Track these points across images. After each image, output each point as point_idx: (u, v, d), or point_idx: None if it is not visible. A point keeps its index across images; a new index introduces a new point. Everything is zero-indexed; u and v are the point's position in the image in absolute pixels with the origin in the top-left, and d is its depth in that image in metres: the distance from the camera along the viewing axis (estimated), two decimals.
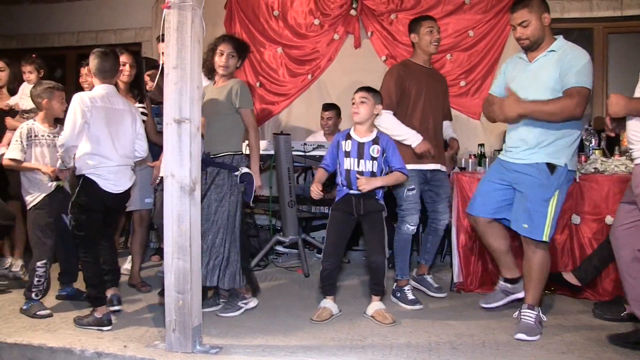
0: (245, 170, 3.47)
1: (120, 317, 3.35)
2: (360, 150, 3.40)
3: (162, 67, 2.79)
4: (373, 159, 3.40)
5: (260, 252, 4.77)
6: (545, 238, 3.15)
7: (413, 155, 3.74)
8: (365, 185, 3.33)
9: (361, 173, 3.38)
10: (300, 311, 3.54)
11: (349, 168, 3.41)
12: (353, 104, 3.44)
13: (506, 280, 3.57)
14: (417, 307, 3.67)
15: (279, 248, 5.22)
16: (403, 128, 3.74)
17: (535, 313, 3.19)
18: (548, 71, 3.14)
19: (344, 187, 3.45)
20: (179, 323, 2.71)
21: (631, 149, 2.88)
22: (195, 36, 2.72)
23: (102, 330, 3.11)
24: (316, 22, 5.80)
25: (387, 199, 4.84)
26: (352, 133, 3.47)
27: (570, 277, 3.76)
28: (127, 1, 6.37)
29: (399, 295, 3.78)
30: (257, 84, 5.90)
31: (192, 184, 2.69)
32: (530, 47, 3.23)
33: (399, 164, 3.42)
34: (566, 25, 5.72)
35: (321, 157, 4.90)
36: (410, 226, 3.78)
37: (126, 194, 3.42)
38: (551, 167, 3.15)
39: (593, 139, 4.36)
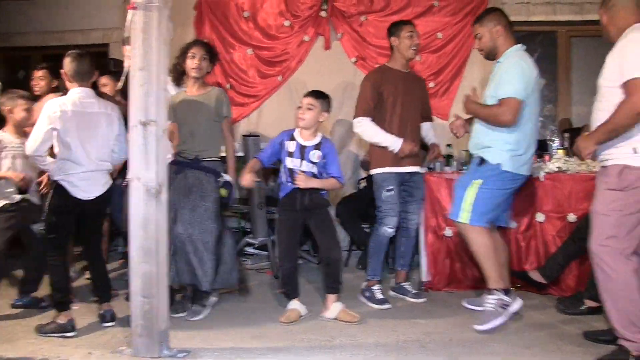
0: (227, 177, 3.55)
1: (84, 323, 3.29)
2: (302, 153, 3.47)
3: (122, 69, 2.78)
4: (313, 163, 3.46)
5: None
6: (461, 219, 3.35)
7: (392, 158, 3.78)
8: (302, 182, 3.40)
9: (303, 172, 3.44)
10: (269, 313, 3.54)
11: (292, 167, 3.47)
12: (299, 107, 3.48)
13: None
14: (386, 306, 3.70)
15: (249, 250, 5.20)
16: (382, 134, 3.77)
17: (496, 297, 3.30)
18: (493, 80, 3.41)
19: (289, 184, 3.48)
20: (146, 328, 2.68)
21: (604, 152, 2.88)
22: (161, 37, 2.71)
23: (65, 336, 3.06)
24: (286, 23, 5.79)
25: (358, 199, 4.90)
26: (296, 135, 3.52)
27: (536, 275, 3.84)
28: (95, 1, 6.26)
29: (368, 295, 3.80)
30: (227, 85, 5.87)
31: (158, 187, 2.67)
32: (487, 57, 3.53)
33: (337, 172, 3.53)
34: (532, 28, 5.83)
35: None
36: (388, 229, 3.80)
37: (102, 199, 3.32)
38: (482, 161, 3.37)
39: (557, 139, 4.46)
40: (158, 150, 2.68)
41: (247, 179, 3.44)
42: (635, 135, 2.69)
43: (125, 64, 2.94)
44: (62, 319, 3.10)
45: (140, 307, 2.68)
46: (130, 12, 2.69)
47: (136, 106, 2.68)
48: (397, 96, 3.82)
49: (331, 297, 3.46)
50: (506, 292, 3.50)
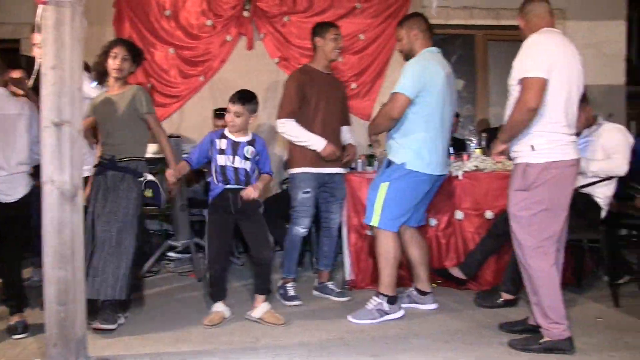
0: (150, 177, 3.42)
1: None
2: (235, 148, 3.45)
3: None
4: (246, 159, 3.45)
5: (151, 258, 4.63)
6: (373, 223, 3.44)
7: (312, 159, 3.79)
8: (251, 194, 3.39)
9: (237, 169, 3.43)
10: (192, 316, 3.49)
11: (224, 164, 3.44)
12: (228, 112, 3.46)
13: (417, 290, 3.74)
14: (295, 302, 3.75)
15: (171, 253, 5.10)
16: (307, 134, 3.78)
17: (379, 301, 3.45)
18: None
19: (220, 184, 3.45)
20: (61, 337, 2.57)
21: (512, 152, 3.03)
22: (75, 35, 2.60)
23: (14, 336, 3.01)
24: (209, 23, 5.72)
25: (282, 199, 4.89)
26: (226, 132, 3.50)
27: (456, 272, 3.98)
28: None
29: (281, 292, 3.84)
30: (148, 85, 5.73)
31: (73, 190, 2.57)
32: (405, 58, 3.57)
33: (270, 168, 3.59)
34: (451, 31, 6.04)
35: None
36: (301, 229, 3.83)
37: (23, 202, 3.17)
38: (390, 162, 3.47)
39: (475, 139, 4.63)
40: (73, 151, 2.58)
41: (172, 175, 3.44)
42: (534, 132, 2.84)
43: (36, 54, 2.80)
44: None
45: (55, 315, 2.56)
46: (40, 7, 2.57)
47: (48, 106, 2.56)
48: (320, 98, 3.84)
49: (259, 297, 3.45)
50: (423, 293, 3.66)
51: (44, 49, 2.59)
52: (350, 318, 3.42)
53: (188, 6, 5.75)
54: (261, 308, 3.41)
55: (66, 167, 2.57)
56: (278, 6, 5.70)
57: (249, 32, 5.73)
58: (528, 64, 2.80)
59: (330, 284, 4.03)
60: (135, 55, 3.55)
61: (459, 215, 4.14)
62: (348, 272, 4.19)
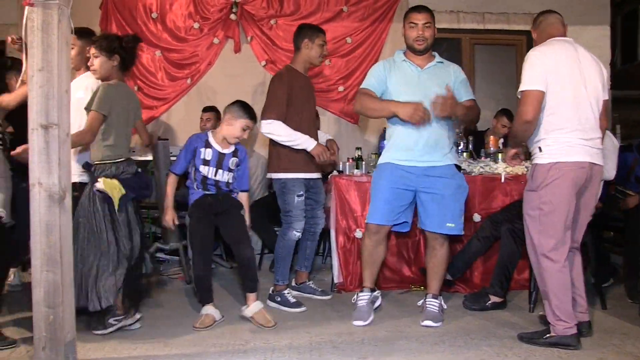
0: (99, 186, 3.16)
1: None
2: (220, 160, 3.46)
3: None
4: (230, 170, 3.48)
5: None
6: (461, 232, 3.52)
7: (302, 163, 3.77)
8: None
9: (218, 182, 3.48)
10: (181, 319, 3.48)
11: (205, 175, 3.46)
12: (244, 128, 3.50)
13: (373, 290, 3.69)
14: (302, 309, 3.71)
15: (160, 255, 5.08)
16: (296, 134, 3.69)
17: (439, 302, 3.50)
18: (442, 80, 3.44)
19: (199, 190, 3.46)
20: (50, 340, 2.55)
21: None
22: (63, 37, 2.59)
23: None
24: (196, 25, 5.72)
25: (269, 202, 4.89)
26: (211, 141, 3.50)
27: None
28: None
29: (279, 299, 3.79)
30: (135, 87, 5.71)
31: (61, 192, 2.56)
32: (423, 51, 3.49)
33: (247, 184, 3.67)
34: (437, 35, 6.05)
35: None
36: (296, 232, 3.81)
37: None
38: (458, 167, 3.52)
39: (462, 142, 4.66)
40: (61, 154, 2.57)
41: (169, 219, 3.52)
42: (542, 136, 2.96)
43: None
44: None
45: (43, 318, 2.55)
46: (26, 9, 2.56)
47: (35, 109, 2.54)
48: (304, 99, 3.81)
49: (251, 295, 3.44)
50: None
51: (31, 51, 2.57)
52: (428, 323, 3.35)
53: (175, 9, 5.75)
54: (254, 306, 3.41)
55: (54, 170, 2.55)
56: (265, 9, 5.71)
57: (236, 35, 5.73)
58: (525, 77, 2.92)
59: (311, 284, 4.06)
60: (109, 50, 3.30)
61: None
62: (336, 275, 4.19)
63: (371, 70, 3.64)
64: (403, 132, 3.46)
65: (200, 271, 3.38)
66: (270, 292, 3.87)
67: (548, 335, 2.97)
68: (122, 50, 3.32)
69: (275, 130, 3.69)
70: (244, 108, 3.55)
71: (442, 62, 3.58)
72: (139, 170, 3.40)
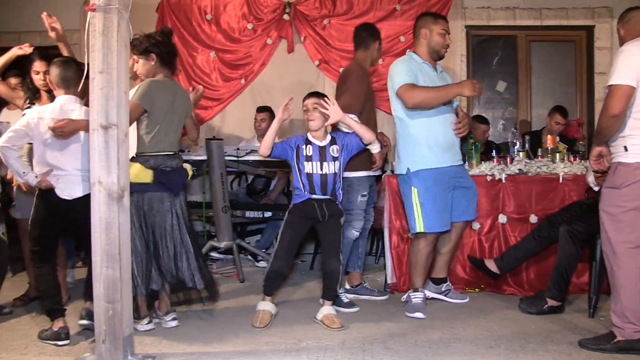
0: None
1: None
2: (322, 153, 3.41)
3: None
4: (334, 159, 3.42)
5: None
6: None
7: (367, 161, 3.76)
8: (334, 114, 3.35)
9: (325, 176, 3.38)
10: (235, 316, 3.53)
11: (310, 172, 3.40)
12: (306, 111, 3.42)
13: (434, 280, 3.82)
14: (355, 309, 3.70)
15: (214, 254, 5.17)
16: (370, 133, 3.59)
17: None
18: (447, 82, 3.72)
19: (306, 192, 3.41)
20: (109, 334, 2.63)
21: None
22: (122, 40, 2.67)
23: (57, 344, 3.01)
24: (249, 26, 5.78)
25: None
26: (310, 138, 3.45)
27: (490, 265, 3.90)
28: (53, 2, 6.12)
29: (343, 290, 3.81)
30: (190, 88, 5.82)
31: (120, 191, 2.64)
32: (442, 56, 3.72)
33: (362, 145, 3.49)
34: (493, 32, 5.97)
35: (255, 161, 4.90)
36: (355, 232, 3.81)
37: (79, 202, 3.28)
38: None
39: (518, 142, 4.55)
40: (120, 153, 2.64)
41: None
42: (627, 133, 2.86)
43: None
44: (55, 326, 3.07)
45: (103, 313, 2.63)
46: (89, 14, 2.64)
47: (96, 110, 2.63)
48: (372, 97, 3.86)
49: (326, 302, 3.46)
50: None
51: (92, 55, 2.66)
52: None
53: (229, 10, 5.83)
54: (324, 310, 3.42)
55: (113, 169, 2.63)
56: (318, 9, 5.73)
57: (289, 35, 5.77)
58: (615, 71, 2.83)
59: (366, 285, 4.04)
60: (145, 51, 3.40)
61: (502, 219, 4.08)
62: (390, 275, 4.16)
63: (398, 68, 3.58)
64: (441, 130, 3.60)
65: (277, 265, 3.39)
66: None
67: (615, 340, 2.86)
68: (155, 47, 3.38)
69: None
70: (307, 95, 3.48)
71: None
72: (183, 167, 3.43)
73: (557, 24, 5.79)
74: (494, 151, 4.34)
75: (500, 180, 4.05)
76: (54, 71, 3.24)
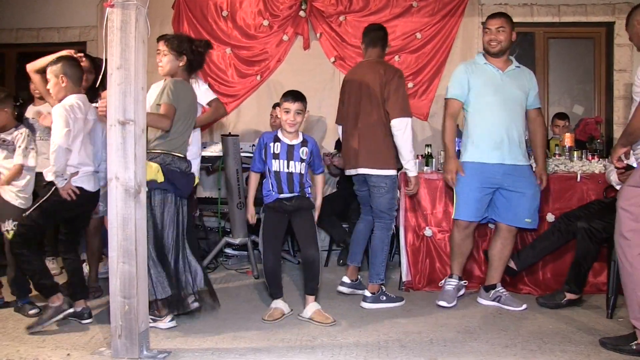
0: None
1: (65, 323, 3.25)
2: (290, 152, 3.45)
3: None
4: (302, 160, 3.46)
5: (209, 255, 4.73)
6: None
7: (395, 159, 3.73)
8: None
9: (291, 174, 3.44)
10: (249, 313, 3.53)
11: (277, 170, 3.45)
12: (287, 112, 3.42)
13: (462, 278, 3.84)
14: (403, 302, 3.75)
15: (228, 250, 5.18)
16: (412, 154, 3.70)
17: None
18: (520, 83, 3.69)
19: (274, 193, 3.45)
20: (125, 328, 2.65)
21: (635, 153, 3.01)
22: (139, 36, 2.68)
23: (81, 322, 3.16)
24: (265, 23, 5.78)
25: (337, 199, 4.90)
26: (280, 136, 3.49)
27: (508, 261, 3.87)
28: None
29: (384, 298, 3.72)
30: (206, 84, 5.83)
31: (137, 187, 2.65)
32: (497, 53, 3.65)
33: (322, 167, 3.70)
34: None
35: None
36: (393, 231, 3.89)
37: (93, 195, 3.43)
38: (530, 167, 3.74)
39: None
40: (137, 149, 2.65)
41: (250, 215, 3.65)
42: None
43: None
44: (55, 302, 3.16)
45: (119, 308, 2.65)
46: (107, 10, 2.65)
47: (114, 105, 2.64)
48: None
49: (309, 297, 3.45)
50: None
51: (110, 50, 2.67)
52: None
53: (245, 7, 5.84)
54: (310, 308, 3.40)
55: (130, 165, 2.64)
56: (334, 6, 5.71)
57: (305, 31, 5.76)
58: None
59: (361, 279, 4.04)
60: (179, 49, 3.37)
61: None
62: (405, 273, 4.14)
63: (453, 76, 3.75)
64: (488, 127, 3.62)
65: (270, 266, 3.40)
66: (371, 293, 3.72)
67: (636, 342, 2.81)
68: (191, 53, 3.38)
69: (409, 129, 3.64)
70: (289, 93, 3.47)
71: (519, 67, 3.74)
72: (190, 171, 3.42)
73: (575, 20, 5.71)
74: None
75: None
76: (70, 70, 3.30)
